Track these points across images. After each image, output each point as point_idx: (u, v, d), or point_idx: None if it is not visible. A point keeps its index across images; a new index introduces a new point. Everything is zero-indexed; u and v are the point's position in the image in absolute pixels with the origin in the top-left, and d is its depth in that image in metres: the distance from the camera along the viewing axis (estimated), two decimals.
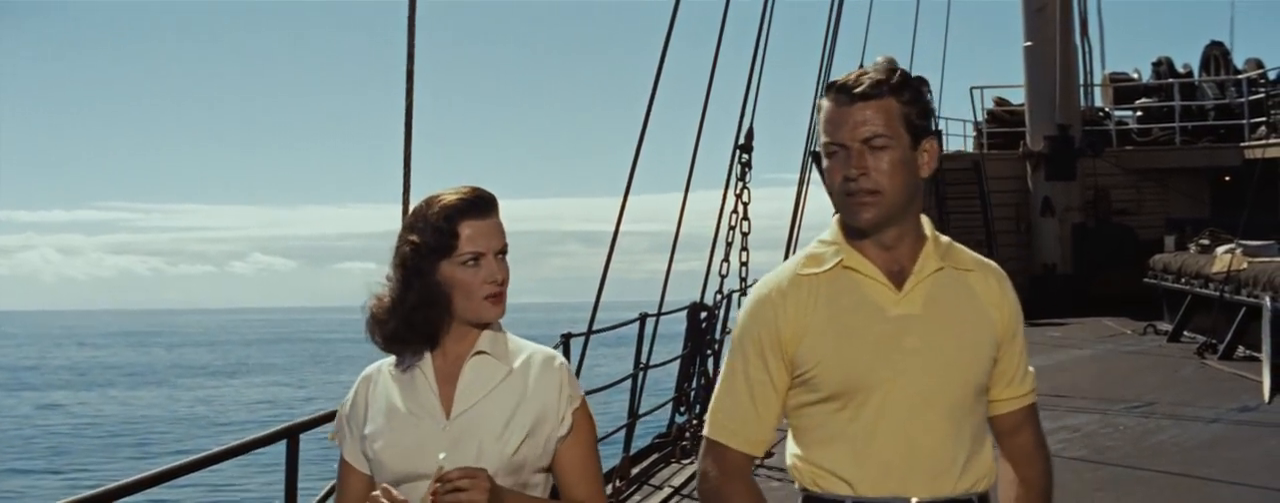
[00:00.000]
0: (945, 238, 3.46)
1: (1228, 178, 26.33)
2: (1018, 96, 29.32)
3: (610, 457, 11.06)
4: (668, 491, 10.40)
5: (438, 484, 3.23)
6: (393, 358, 3.64)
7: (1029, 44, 27.58)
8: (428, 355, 3.58)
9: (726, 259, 14.29)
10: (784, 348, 3.38)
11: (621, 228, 11.27)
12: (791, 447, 3.43)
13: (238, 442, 5.85)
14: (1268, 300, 14.10)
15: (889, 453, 3.27)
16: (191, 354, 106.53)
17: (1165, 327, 20.04)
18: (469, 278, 3.45)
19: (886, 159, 3.24)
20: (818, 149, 3.40)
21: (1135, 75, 30.51)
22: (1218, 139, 27.63)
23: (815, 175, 25.66)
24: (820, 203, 27.32)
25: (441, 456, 3.38)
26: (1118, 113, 29.96)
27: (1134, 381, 15.21)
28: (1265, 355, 13.08)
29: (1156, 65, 30.01)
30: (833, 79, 3.40)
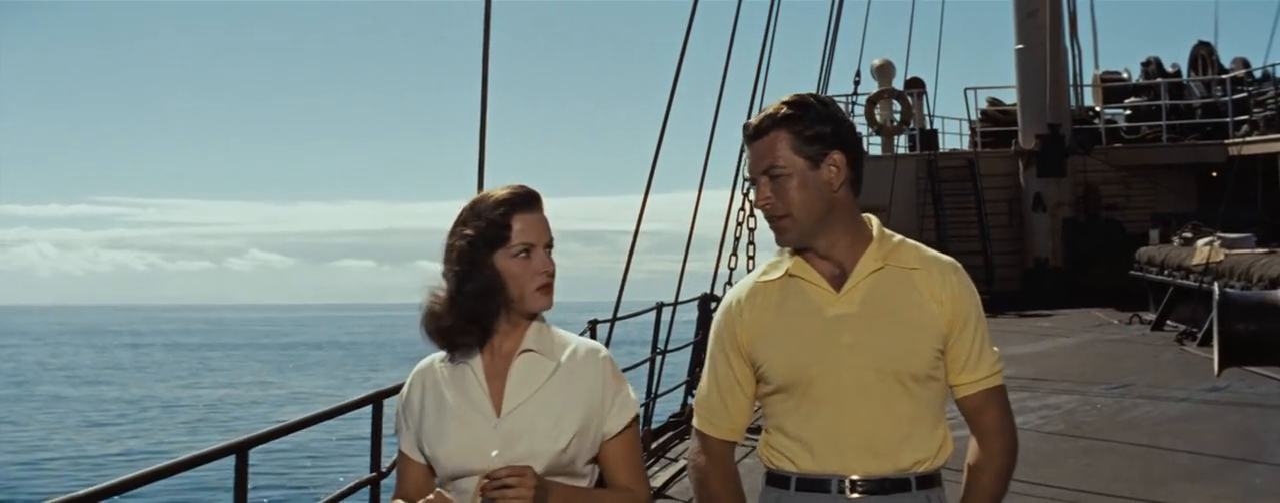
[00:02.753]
0: (898, 238, 3.70)
1: (1215, 174, 26.70)
2: (1010, 97, 29.87)
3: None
4: (683, 463, 11.32)
5: (486, 481, 3.37)
6: (442, 353, 3.74)
7: (1021, 47, 28.18)
8: (477, 353, 3.67)
9: (734, 253, 15.10)
10: (742, 348, 3.69)
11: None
12: (764, 431, 3.73)
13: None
14: (1216, 287, 15.04)
15: (828, 437, 3.54)
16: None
17: (1149, 316, 20.44)
18: (521, 269, 3.55)
19: (786, 185, 3.54)
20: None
21: (1125, 75, 30.94)
22: (1203, 136, 28.07)
23: None
24: None
25: (494, 453, 3.51)
26: (1108, 111, 30.35)
27: (1114, 365, 15.91)
28: (1214, 335, 14.01)
29: (1146, 65, 30.52)
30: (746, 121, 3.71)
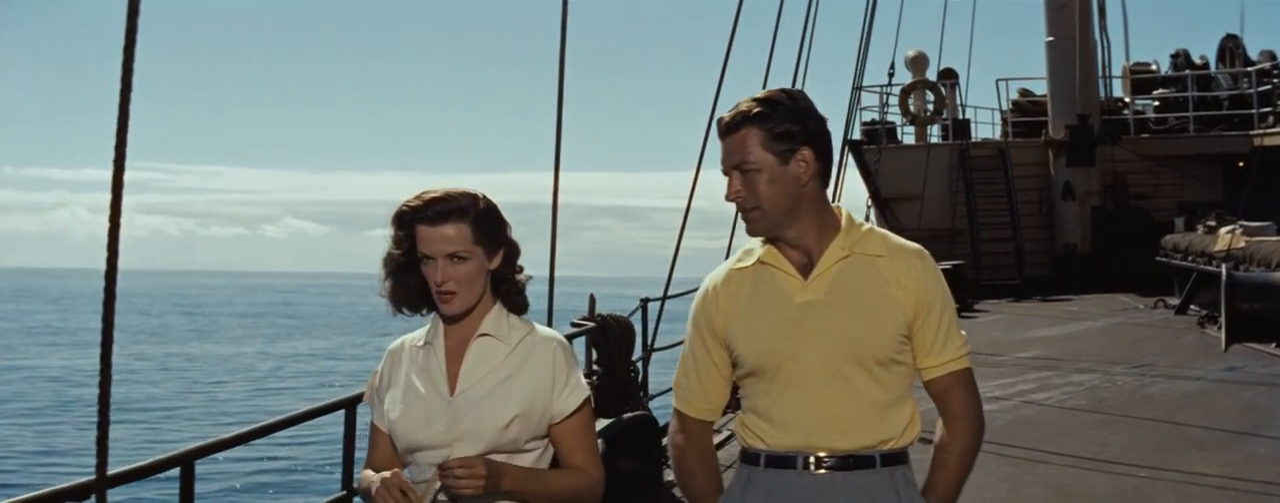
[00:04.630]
0: (867, 226, 3.82)
1: (1240, 163, 26.70)
2: (1041, 88, 30.14)
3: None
4: (726, 433, 12.07)
5: (442, 472, 3.56)
6: (413, 334, 3.99)
7: (1051, 39, 28.41)
8: (442, 335, 3.89)
9: None
10: (717, 332, 3.81)
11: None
12: (740, 411, 3.89)
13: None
14: (1223, 269, 15.68)
15: (795, 417, 3.67)
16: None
17: (1174, 301, 20.66)
18: (428, 275, 3.79)
19: (756, 180, 3.66)
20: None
21: (1154, 67, 30.99)
22: (1229, 127, 28.19)
23: (851, 161, 27.01)
24: (855, 188, 28.44)
25: (441, 428, 3.75)
26: (1137, 102, 30.47)
27: (1137, 347, 16.38)
28: (1221, 312, 14.62)
29: (1174, 57, 30.64)
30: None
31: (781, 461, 3.69)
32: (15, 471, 26.55)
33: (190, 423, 34.35)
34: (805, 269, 3.71)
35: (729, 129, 3.68)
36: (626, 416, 8.89)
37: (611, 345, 9.59)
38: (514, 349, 3.84)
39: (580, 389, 3.86)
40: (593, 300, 9.74)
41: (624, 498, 8.16)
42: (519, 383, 3.78)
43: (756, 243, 3.81)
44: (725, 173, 3.72)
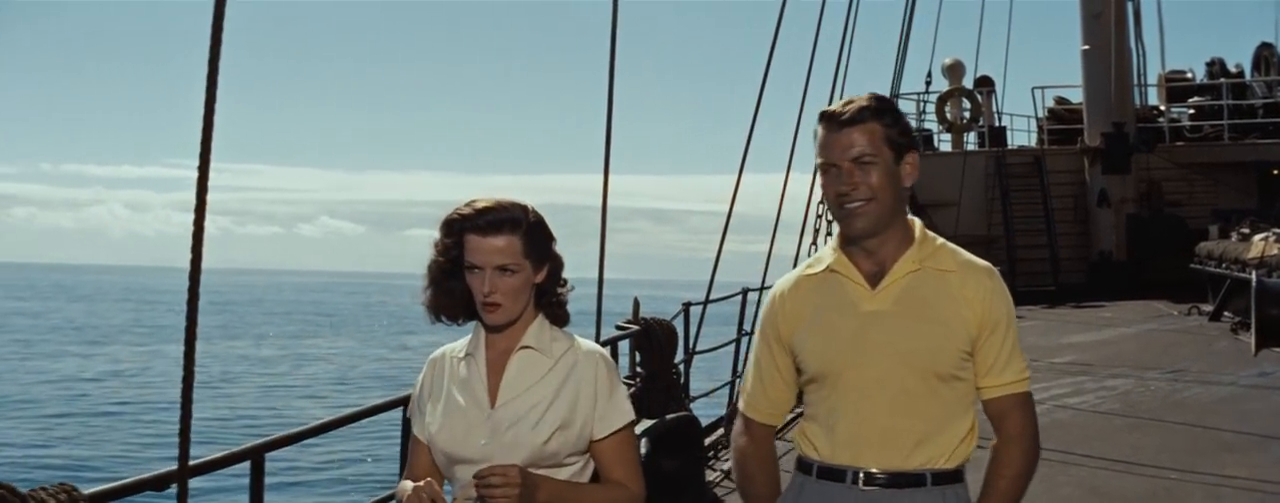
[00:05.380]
0: (939, 241, 3.83)
1: (1275, 171, 26.96)
2: (1077, 96, 30.04)
3: (718, 407, 13.09)
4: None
5: (477, 481, 3.55)
6: (455, 344, 3.98)
7: (1087, 48, 28.37)
8: (483, 347, 3.88)
9: (815, 242, 15.90)
10: (783, 338, 3.85)
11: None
12: (801, 418, 3.91)
13: None
14: (1253, 275, 15.81)
15: (848, 429, 3.69)
16: None
17: (1207, 308, 20.61)
18: (474, 285, 3.80)
19: (874, 174, 3.65)
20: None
21: (1189, 75, 31.02)
22: (1264, 135, 28.22)
23: None
24: None
25: (482, 442, 3.74)
26: (1172, 110, 30.39)
27: (1171, 352, 16.45)
28: (1252, 317, 14.75)
29: (1210, 65, 30.60)
30: (824, 109, 3.79)
31: (832, 474, 3.72)
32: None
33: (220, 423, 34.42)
34: (874, 279, 3.73)
35: (849, 121, 3.66)
36: (669, 416, 9.10)
37: (655, 348, 9.79)
38: (557, 363, 3.83)
39: (624, 412, 3.86)
40: (636, 304, 9.96)
41: (667, 496, 8.42)
42: (561, 397, 3.78)
43: (827, 251, 3.86)
44: (826, 166, 3.69)
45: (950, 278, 3.73)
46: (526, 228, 3.77)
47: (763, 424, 3.98)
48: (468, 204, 3.79)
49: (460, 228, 3.77)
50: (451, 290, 3.85)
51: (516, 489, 3.50)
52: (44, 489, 4.13)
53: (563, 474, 3.77)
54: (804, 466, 3.82)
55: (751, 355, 4.03)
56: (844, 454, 3.70)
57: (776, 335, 3.87)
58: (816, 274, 3.83)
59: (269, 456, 5.49)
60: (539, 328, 3.86)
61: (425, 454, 3.90)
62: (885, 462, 3.66)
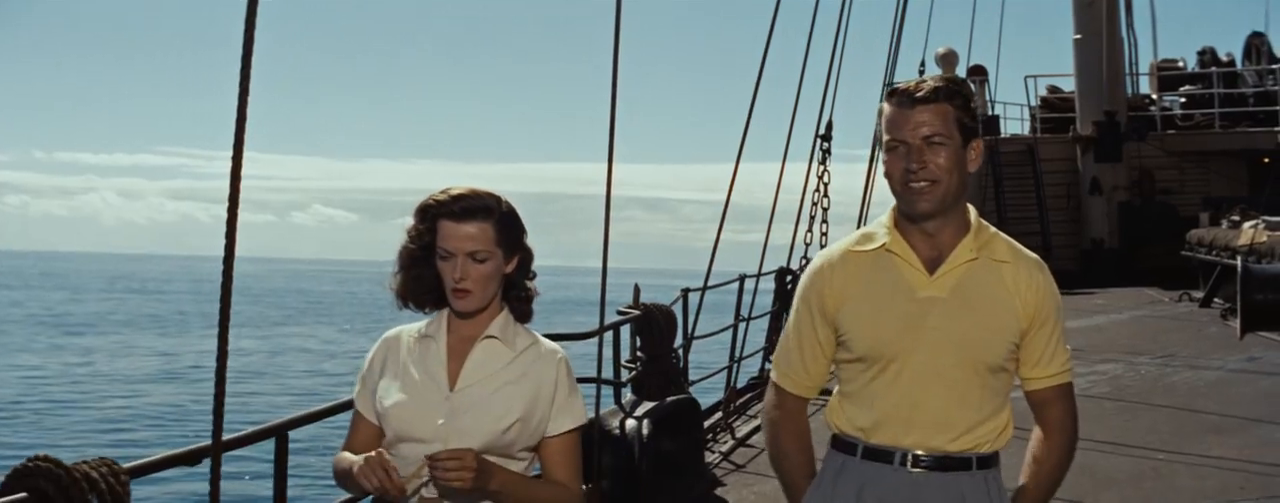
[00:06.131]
0: (992, 230, 3.79)
1: (1265, 160, 27.08)
2: (1069, 85, 30.27)
3: (716, 391, 13.32)
4: (760, 419, 12.46)
5: (431, 462, 3.52)
6: (411, 326, 3.95)
7: (1078, 37, 28.51)
8: (444, 331, 3.87)
9: (810, 230, 16.16)
10: (827, 312, 3.77)
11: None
12: (835, 394, 3.86)
13: None
14: (1239, 261, 16.02)
15: (897, 411, 3.66)
16: None
17: (1198, 294, 20.79)
18: (444, 271, 3.79)
19: (943, 155, 3.58)
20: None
21: (1181, 64, 31.26)
22: (1255, 124, 28.41)
23: (883, 157, 27.23)
24: (887, 184, 28.62)
25: (439, 421, 3.74)
26: (1164, 99, 30.67)
27: (1160, 338, 16.68)
28: (1237, 302, 14.97)
29: (1201, 54, 30.84)
30: (895, 85, 3.73)
31: (879, 454, 3.69)
32: None
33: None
34: (931, 263, 3.68)
35: (923, 100, 3.60)
36: (669, 400, 9.29)
37: (655, 333, 10.00)
38: (518, 356, 3.84)
39: (579, 414, 3.88)
40: (637, 290, 10.15)
41: (667, 478, 8.64)
42: (521, 389, 3.78)
43: (879, 230, 3.77)
44: (895, 143, 3.63)
45: (1005, 269, 3.71)
46: (499, 216, 3.78)
47: (797, 396, 3.92)
48: (442, 191, 3.81)
49: (434, 214, 3.78)
50: (421, 277, 3.85)
51: (471, 474, 3.50)
52: (86, 463, 4.34)
53: (514, 468, 3.78)
54: (846, 445, 3.78)
55: (789, 326, 3.95)
56: (889, 435, 3.69)
57: (821, 308, 3.79)
58: (869, 251, 3.76)
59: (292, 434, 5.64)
60: (504, 321, 3.86)
61: (367, 429, 3.90)
62: (935, 444, 3.66)
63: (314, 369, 49.97)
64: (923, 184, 3.60)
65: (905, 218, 3.72)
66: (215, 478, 4.29)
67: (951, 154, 3.60)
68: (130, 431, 31.21)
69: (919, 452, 3.65)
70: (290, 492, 5.66)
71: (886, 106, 3.67)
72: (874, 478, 3.69)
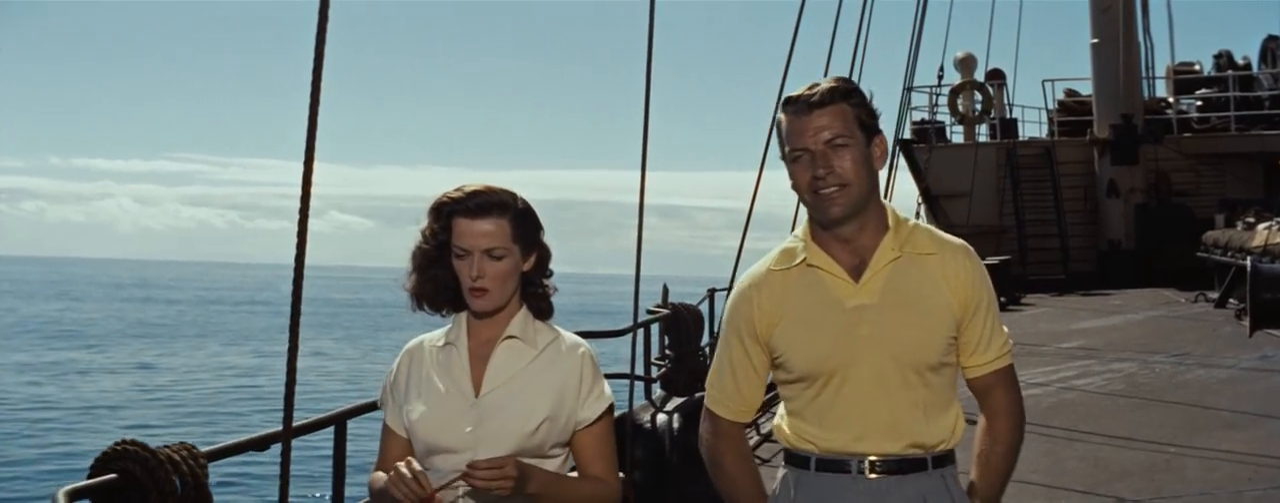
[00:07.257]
0: (912, 223, 3.69)
1: None
2: (1086, 88, 30.41)
3: None
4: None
5: (468, 470, 3.43)
6: (432, 334, 3.87)
7: (1096, 41, 28.68)
8: (465, 336, 3.78)
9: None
10: (759, 336, 3.65)
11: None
12: (779, 413, 3.76)
13: None
14: (1248, 260, 16.24)
15: (846, 421, 3.56)
16: None
17: (1213, 295, 20.80)
18: (460, 270, 3.71)
19: (848, 156, 3.47)
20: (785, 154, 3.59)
21: (1197, 67, 31.39)
22: (1270, 126, 28.58)
23: (902, 161, 27.53)
24: (907, 188, 28.77)
25: (468, 429, 3.65)
26: (1181, 102, 30.82)
27: (1175, 337, 16.88)
28: (1246, 301, 15.19)
29: (1217, 57, 31.03)
30: (788, 95, 3.60)
31: (833, 465, 3.60)
32: None
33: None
34: (855, 271, 3.58)
35: (817, 104, 3.49)
36: (697, 395, 9.60)
37: (682, 332, 10.33)
38: (541, 353, 3.75)
39: (605, 398, 3.78)
40: (666, 290, 10.49)
41: (699, 469, 8.96)
42: (546, 386, 3.70)
43: (797, 244, 3.67)
44: (797, 153, 3.53)
45: (930, 261, 3.61)
46: (515, 212, 3.70)
47: (733, 421, 3.82)
48: (457, 188, 3.73)
49: (449, 212, 3.70)
50: (435, 278, 3.77)
51: (511, 481, 3.42)
52: (168, 447, 4.70)
53: (549, 467, 3.69)
54: (798, 459, 3.68)
55: (720, 352, 3.84)
56: (840, 444, 3.59)
57: (753, 333, 3.67)
58: (791, 269, 3.64)
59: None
60: (524, 319, 3.77)
61: (398, 445, 3.81)
62: (888, 448, 3.57)
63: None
64: (832, 189, 3.49)
65: (820, 227, 3.62)
66: (285, 461, 4.48)
67: (857, 154, 3.50)
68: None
69: (873, 458, 3.57)
70: (348, 477, 5.98)
71: (783, 117, 3.58)
72: (834, 489, 3.61)
